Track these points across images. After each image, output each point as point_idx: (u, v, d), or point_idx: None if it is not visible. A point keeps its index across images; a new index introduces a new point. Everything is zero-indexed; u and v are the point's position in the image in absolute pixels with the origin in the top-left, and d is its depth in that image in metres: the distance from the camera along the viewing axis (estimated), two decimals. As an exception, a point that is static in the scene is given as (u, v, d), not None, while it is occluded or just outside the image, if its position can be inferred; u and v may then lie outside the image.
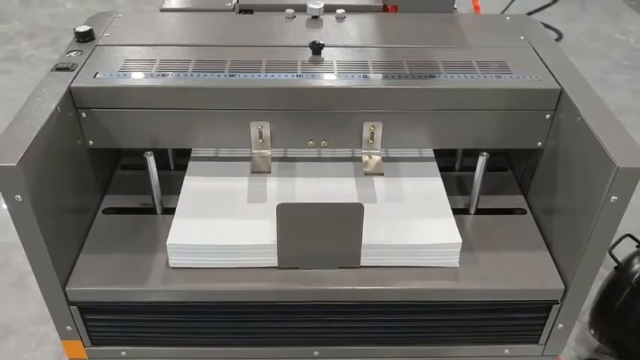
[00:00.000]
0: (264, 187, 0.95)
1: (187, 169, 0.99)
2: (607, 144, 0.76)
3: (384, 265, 0.88)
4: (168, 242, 0.86)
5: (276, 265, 0.87)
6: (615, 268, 1.31)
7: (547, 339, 0.94)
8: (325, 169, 0.99)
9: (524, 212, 1.00)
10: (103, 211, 0.98)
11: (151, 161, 0.92)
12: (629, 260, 1.31)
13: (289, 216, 0.82)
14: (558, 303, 0.89)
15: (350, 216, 0.82)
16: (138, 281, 0.86)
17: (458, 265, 0.88)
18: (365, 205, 0.80)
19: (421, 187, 0.96)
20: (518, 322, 0.92)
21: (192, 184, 0.96)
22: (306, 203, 0.84)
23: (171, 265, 0.88)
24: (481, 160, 0.93)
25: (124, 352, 0.93)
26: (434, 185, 0.97)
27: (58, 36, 2.74)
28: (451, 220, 0.90)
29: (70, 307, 0.87)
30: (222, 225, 0.89)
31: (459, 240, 0.87)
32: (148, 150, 0.91)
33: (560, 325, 0.91)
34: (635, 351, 1.29)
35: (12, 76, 2.46)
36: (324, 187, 0.95)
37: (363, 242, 0.85)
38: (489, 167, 0.94)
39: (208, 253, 0.87)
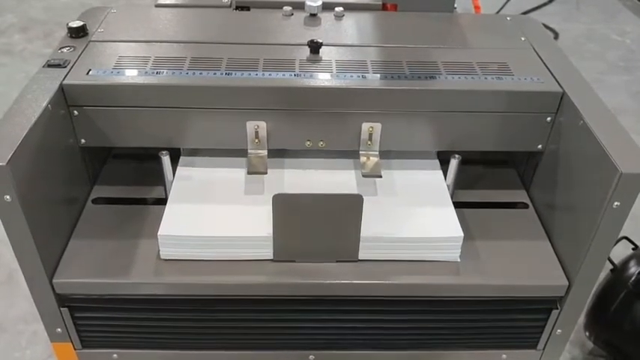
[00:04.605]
0: (260, 177, 0.93)
1: (180, 158, 0.97)
2: (610, 148, 0.75)
3: (383, 258, 0.87)
4: (159, 233, 0.84)
5: (272, 257, 0.86)
6: (611, 270, 1.31)
7: (545, 344, 0.93)
8: (324, 161, 0.97)
9: (526, 206, 0.99)
10: (93, 201, 0.96)
11: (166, 161, 0.90)
12: (625, 263, 1.30)
13: (285, 207, 0.80)
14: (557, 308, 0.88)
15: (349, 207, 0.80)
16: (127, 273, 0.84)
17: (459, 260, 0.87)
18: (364, 197, 0.79)
19: (421, 180, 0.95)
20: (518, 322, 0.91)
21: (186, 173, 0.94)
22: (303, 194, 0.81)
23: (162, 256, 0.85)
24: (454, 163, 0.92)
25: (115, 355, 0.92)
26: (434, 178, 0.96)
27: (51, 30, 2.71)
28: (452, 214, 0.89)
29: (61, 308, 0.85)
30: (215, 216, 0.87)
31: (461, 234, 0.85)
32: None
33: (559, 330, 0.90)
34: (630, 354, 1.29)
35: (3, 70, 2.43)
36: (322, 179, 0.94)
37: (361, 235, 0.83)
38: (491, 162, 0.93)
39: (201, 245, 0.85)
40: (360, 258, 0.86)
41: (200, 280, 0.84)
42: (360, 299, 0.87)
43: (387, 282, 0.85)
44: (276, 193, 0.79)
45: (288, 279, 0.85)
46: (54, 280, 0.83)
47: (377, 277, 0.85)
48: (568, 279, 0.86)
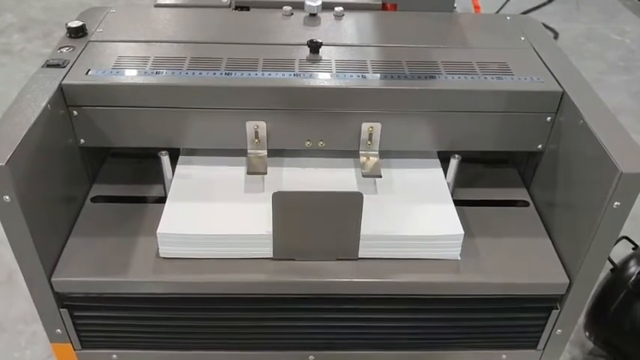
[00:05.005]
0: (260, 175, 0.93)
1: (180, 156, 0.97)
2: (610, 148, 0.75)
3: (383, 257, 0.86)
4: (158, 231, 0.83)
5: (272, 256, 0.85)
6: (611, 270, 1.30)
7: (545, 344, 0.93)
8: (324, 160, 0.97)
9: (526, 204, 0.98)
10: (92, 200, 0.96)
11: (165, 161, 0.90)
12: (625, 262, 1.30)
13: (285, 205, 0.80)
14: (557, 308, 0.88)
15: (349, 205, 0.80)
16: (126, 272, 0.83)
17: (459, 258, 0.87)
18: (364, 195, 0.79)
19: (422, 178, 0.95)
20: (518, 322, 0.91)
21: (185, 171, 0.94)
22: (303, 191, 0.81)
23: (161, 255, 0.85)
24: (453, 163, 0.92)
25: (114, 356, 0.92)
26: (435, 176, 0.95)
27: (51, 30, 2.70)
28: (452, 211, 0.88)
29: (60, 309, 0.85)
30: (215, 214, 0.87)
31: (461, 231, 0.85)
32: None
33: (559, 330, 0.90)
34: (630, 354, 1.28)
35: (2, 69, 2.42)
36: (323, 177, 0.93)
37: (361, 233, 0.83)
38: (491, 161, 0.92)
39: (200, 243, 0.84)
40: (360, 256, 0.86)
41: (199, 278, 0.84)
42: (360, 297, 0.87)
43: (387, 280, 0.85)
44: (276, 190, 0.79)
45: (287, 277, 0.84)
46: (52, 279, 0.82)
47: (377, 275, 0.85)
48: (569, 277, 0.86)
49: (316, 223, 0.82)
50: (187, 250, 0.85)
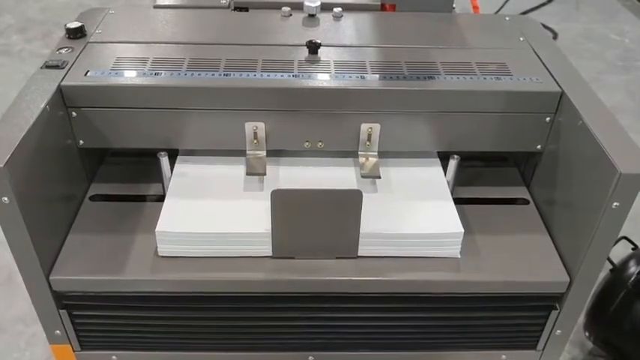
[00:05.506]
0: None
1: (179, 155, 0.97)
2: (609, 149, 0.75)
3: (382, 255, 0.86)
4: (157, 229, 0.83)
5: (271, 254, 0.85)
6: (611, 270, 1.30)
7: (545, 345, 0.93)
8: (323, 158, 0.97)
9: (526, 202, 0.98)
10: (90, 198, 0.96)
11: (165, 162, 0.90)
12: (624, 262, 1.30)
13: (284, 202, 0.79)
14: (557, 308, 0.88)
15: (348, 203, 0.80)
16: (124, 270, 0.83)
17: (459, 256, 0.87)
18: (364, 193, 0.79)
19: (421, 176, 0.95)
20: (518, 321, 0.91)
21: (184, 170, 0.94)
22: (302, 189, 0.81)
23: (160, 253, 0.85)
24: (453, 163, 0.92)
25: (114, 357, 0.92)
26: (434, 174, 0.95)
27: (50, 30, 2.70)
28: (452, 209, 0.88)
29: (60, 310, 0.85)
30: (214, 212, 0.86)
31: (461, 229, 0.85)
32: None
33: (558, 330, 0.90)
34: (630, 353, 1.28)
35: (2, 70, 2.42)
36: (322, 175, 0.93)
37: (361, 231, 0.83)
38: (491, 159, 0.92)
39: (199, 242, 0.84)
40: (359, 254, 0.86)
41: (198, 276, 0.84)
42: (359, 296, 0.87)
43: (386, 278, 0.84)
44: (275, 188, 0.79)
45: (287, 276, 0.84)
46: (51, 277, 0.82)
47: (376, 273, 0.85)
48: (569, 276, 0.85)
49: (315, 221, 0.82)
50: (186, 249, 0.85)
